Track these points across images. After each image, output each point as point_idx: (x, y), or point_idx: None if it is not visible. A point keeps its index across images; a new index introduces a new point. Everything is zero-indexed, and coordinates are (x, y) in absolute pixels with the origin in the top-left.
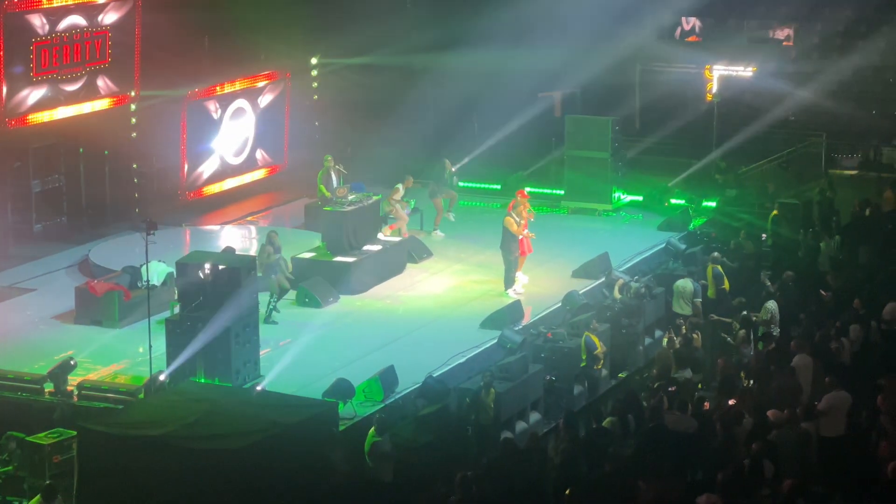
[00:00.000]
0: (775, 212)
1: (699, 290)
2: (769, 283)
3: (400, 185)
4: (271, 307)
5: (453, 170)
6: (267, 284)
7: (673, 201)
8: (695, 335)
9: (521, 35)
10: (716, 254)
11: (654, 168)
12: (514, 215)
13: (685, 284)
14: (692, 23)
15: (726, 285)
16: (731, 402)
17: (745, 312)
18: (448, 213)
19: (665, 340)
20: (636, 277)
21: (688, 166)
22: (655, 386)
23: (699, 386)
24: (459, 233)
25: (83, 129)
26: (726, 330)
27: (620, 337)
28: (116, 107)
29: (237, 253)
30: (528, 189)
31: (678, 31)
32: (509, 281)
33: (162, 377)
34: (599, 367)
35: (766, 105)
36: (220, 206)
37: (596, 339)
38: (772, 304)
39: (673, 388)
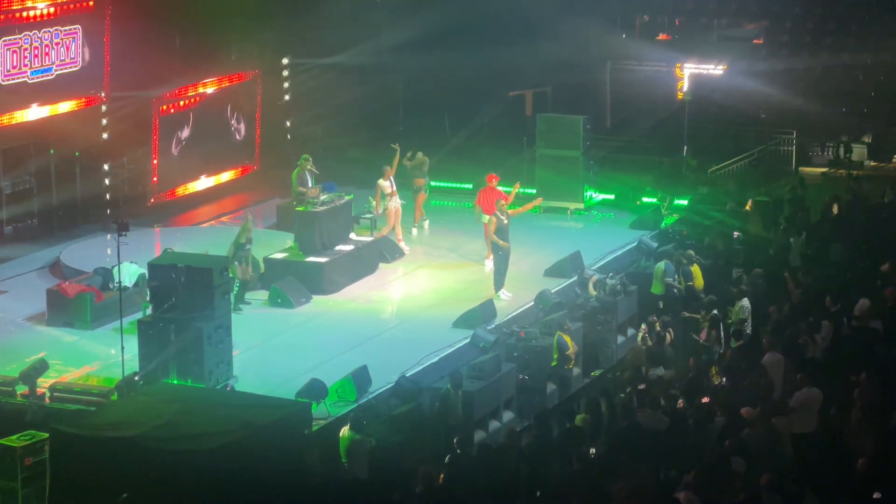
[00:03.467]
0: (749, 206)
1: (672, 270)
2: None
3: (380, 180)
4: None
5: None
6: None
7: (645, 200)
8: (668, 333)
9: (491, 33)
10: (690, 251)
11: (626, 166)
12: (497, 213)
13: (659, 265)
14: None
15: (700, 283)
16: (703, 399)
17: (714, 311)
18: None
19: (639, 337)
20: (610, 274)
21: (659, 164)
22: (626, 384)
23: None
24: (431, 232)
25: (53, 130)
26: (695, 329)
27: (594, 334)
28: (87, 108)
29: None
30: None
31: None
32: (499, 283)
33: None
34: (571, 366)
35: (736, 103)
36: (192, 206)
37: (568, 339)
38: (746, 303)
39: (642, 387)
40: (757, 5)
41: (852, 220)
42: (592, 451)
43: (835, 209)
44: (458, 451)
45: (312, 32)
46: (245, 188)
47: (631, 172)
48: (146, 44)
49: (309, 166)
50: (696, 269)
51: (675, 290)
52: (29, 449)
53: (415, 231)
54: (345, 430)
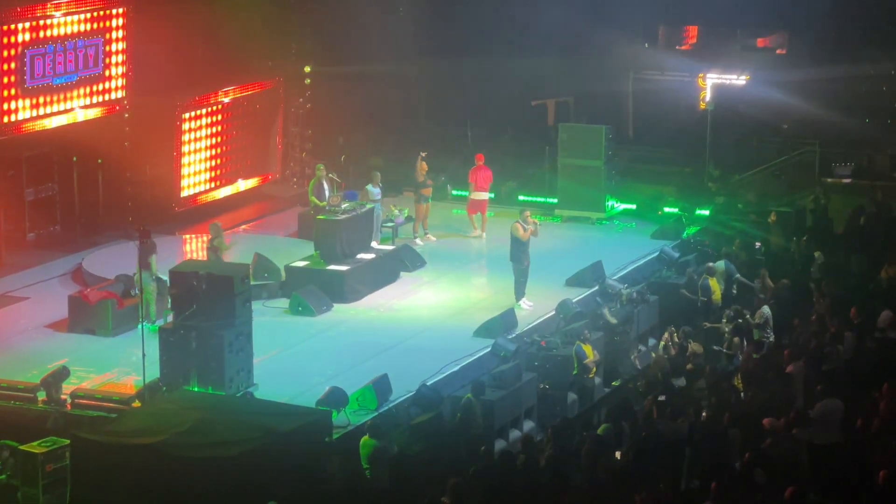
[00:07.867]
0: (772, 218)
1: (732, 269)
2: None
3: (369, 186)
4: None
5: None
6: None
7: (666, 210)
8: (689, 343)
9: (514, 42)
10: (710, 264)
11: (648, 176)
12: (521, 221)
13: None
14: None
15: (718, 297)
16: (724, 410)
17: (739, 320)
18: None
19: (661, 345)
20: (626, 285)
21: (681, 175)
22: (647, 394)
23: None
24: (453, 241)
25: (76, 137)
26: (718, 339)
27: (613, 345)
28: (109, 115)
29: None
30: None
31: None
32: (520, 292)
33: None
34: (592, 375)
35: (759, 113)
36: (214, 214)
37: (587, 348)
38: (766, 310)
39: (663, 398)
40: (779, 16)
41: (875, 231)
42: (618, 454)
43: (860, 221)
44: (488, 460)
45: (335, 41)
46: (267, 196)
47: (653, 182)
48: (169, 52)
49: (326, 175)
50: (714, 284)
51: (699, 302)
52: (50, 455)
53: (419, 241)
54: (365, 438)
